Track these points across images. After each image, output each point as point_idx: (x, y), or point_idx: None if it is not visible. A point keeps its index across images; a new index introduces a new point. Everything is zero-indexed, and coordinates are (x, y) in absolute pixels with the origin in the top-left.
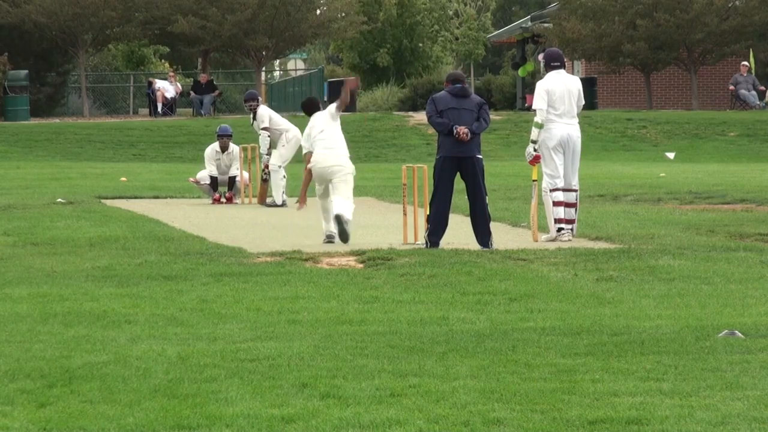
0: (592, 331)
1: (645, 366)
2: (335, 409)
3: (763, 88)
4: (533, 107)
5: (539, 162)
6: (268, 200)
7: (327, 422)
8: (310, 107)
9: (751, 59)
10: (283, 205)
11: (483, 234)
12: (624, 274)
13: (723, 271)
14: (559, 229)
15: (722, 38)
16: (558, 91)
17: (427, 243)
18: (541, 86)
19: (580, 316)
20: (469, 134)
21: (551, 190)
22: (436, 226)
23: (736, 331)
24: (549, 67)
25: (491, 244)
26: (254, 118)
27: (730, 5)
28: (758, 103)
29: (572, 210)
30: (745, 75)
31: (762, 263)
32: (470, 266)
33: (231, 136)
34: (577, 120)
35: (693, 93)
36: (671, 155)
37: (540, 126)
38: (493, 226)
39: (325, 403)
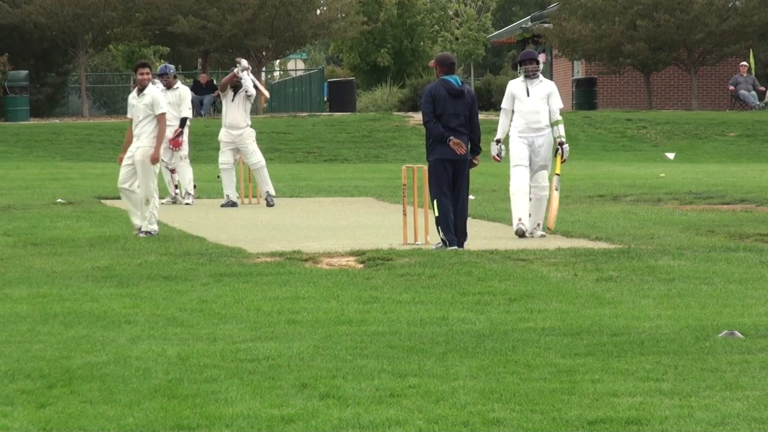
0: (592, 332)
1: (645, 366)
2: (335, 409)
3: (763, 88)
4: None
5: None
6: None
7: (327, 422)
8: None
9: (751, 59)
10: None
11: (461, 233)
12: (624, 275)
13: (723, 271)
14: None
15: (722, 38)
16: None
17: (444, 243)
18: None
19: (579, 316)
20: (464, 149)
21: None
22: (447, 225)
23: (736, 332)
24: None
25: (464, 244)
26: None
27: (730, 5)
28: (758, 103)
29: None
30: (744, 75)
31: (762, 263)
32: (470, 266)
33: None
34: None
35: (693, 93)
36: (671, 155)
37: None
38: (494, 225)
39: (325, 403)
